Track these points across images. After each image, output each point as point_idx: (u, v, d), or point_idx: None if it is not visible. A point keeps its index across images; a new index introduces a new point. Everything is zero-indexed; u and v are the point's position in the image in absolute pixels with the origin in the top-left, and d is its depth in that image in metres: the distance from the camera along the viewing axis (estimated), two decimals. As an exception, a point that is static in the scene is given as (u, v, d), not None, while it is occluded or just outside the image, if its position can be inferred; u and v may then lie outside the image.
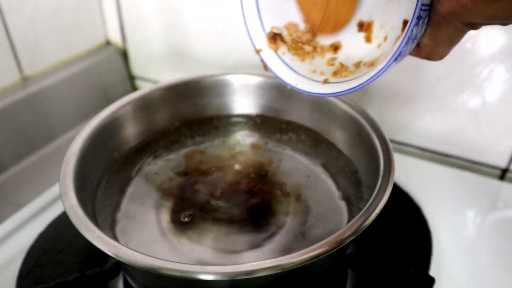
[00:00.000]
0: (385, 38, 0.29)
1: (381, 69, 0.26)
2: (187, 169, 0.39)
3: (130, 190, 0.37)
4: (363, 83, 0.27)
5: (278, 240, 0.32)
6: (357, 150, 0.38)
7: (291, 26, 0.32)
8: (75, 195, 0.30)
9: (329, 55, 0.31)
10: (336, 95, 0.29)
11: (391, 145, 0.34)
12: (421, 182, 0.47)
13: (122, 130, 0.40)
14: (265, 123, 0.44)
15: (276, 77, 0.32)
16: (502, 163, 0.50)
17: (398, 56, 0.24)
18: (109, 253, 0.26)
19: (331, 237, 0.26)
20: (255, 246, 0.32)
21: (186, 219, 0.34)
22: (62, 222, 0.42)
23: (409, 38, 0.23)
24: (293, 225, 0.33)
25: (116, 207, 0.35)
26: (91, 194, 0.35)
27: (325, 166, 0.39)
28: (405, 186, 0.46)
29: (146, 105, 0.42)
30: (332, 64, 0.31)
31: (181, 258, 0.31)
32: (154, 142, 0.42)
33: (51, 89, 0.58)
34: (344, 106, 0.39)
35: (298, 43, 0.32)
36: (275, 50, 0.32)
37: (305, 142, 0.41)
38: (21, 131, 0.55)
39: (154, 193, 0.36)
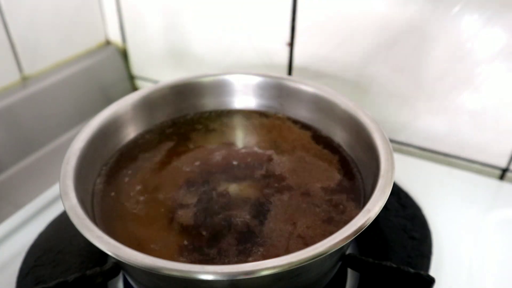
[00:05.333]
0: None
1: None
2: (187, 168, 0.39)
3: (131, 189, 0.37)
4: None
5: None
6: (357, 150, 0.38)
7: None
8: (75, 195, 0.30)
9: None
10: None
11: (391, 145, 0.34)
12: (421, 182, 0.47)
13: (122, 130, 0.40)
14: (265, 122, 0.44)
15: None
16: (502, 163, 0.50)
17: None
18: (109, 253, 0.26)
19: (331, 237, 0.26)
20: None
21: (188, 216, 0.34)
22: (62, 222, 0.42)
23: None
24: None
25: (116, 205, 0.35)
26: (91, 194, 0.35)
27: (325, 166, 0.39)
28: (405, 186, 0.46)
29: (146, 105, 0.42)
30: None
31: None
32: (154, 142, 0.42)
33: (51, 89, 0.58)
34: (344, 106, 0.39)
35: None
36: None
37: (305, 141, 0.41)
38: (21, 131, 0.55)
39: (155, 191, 0.36)
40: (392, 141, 0.54)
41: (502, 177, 0.51)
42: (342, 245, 0.26)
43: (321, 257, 0.25)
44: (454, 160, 0.52)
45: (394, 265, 0.31)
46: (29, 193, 0.48)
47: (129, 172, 0.38)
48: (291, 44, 0.53)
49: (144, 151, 0.41)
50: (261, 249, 0.31)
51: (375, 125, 0.36)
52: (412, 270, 0.30)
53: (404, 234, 0.41)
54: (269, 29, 0.54)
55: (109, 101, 0.41)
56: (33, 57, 0.57)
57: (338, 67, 0.52)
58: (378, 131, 0.35)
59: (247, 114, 0.45)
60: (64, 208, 0.29)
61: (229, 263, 0.30)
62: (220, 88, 0.45)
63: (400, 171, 0.46)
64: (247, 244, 0.31)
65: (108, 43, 0.67)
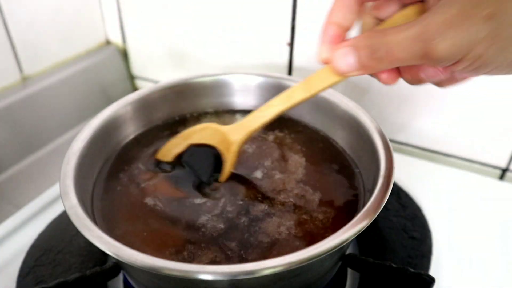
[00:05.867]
0: None
1: None
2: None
3: (131, 189, 0.37)
4: None
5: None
6: (357, 150, 0.38)
7: None
8: (75, 195, 0.30)
9: None
10: None
11: (391, 145, 0.34)
12: (421, 182, 0.47)
13: (122, 130, 0.40)
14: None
15: None
16: (502, 163, 0.50)
17: None
18: (109, 253, 0.26)
19: (331, 237, 0.26)
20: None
21: (189, 217, 0.34)
22: (62, 222, 0.42)
23: None
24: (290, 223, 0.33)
25: (116, 205, 0.35)
26: (91, 194, 0.35)
27: (325, 165, 0.39)
28: (405, 186, 0.46)
29: (146, 105, 0.42)
30: None
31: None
32: (154, 142, 0.42)
33: (51, 89, 0.58)
34: (344, 106, 0.39)
35: None
36: None
37: (305, 141, 0.41)
38: (21, 131, 0.55)
39: (156, 192, 0.36)
40: (392, 141, 0.54)
41: (502, 177, 0.51)
42: (342, 245, 0.26)
43: (321, 257, 0.25)
44: (454, 160, 0.52)
45: (394, 265, 0.31)
46: (29, 193, 0.48)
47: (129, 172, 0.38)
48: (291, 44, 0.53)
49: (144, 151, 0.41)
50: (257, 249, 0.31)
51: (375, 125, 0.36)
52: (412, 270, 0.30)
53: (404, 234, 0.41)
54: (269, 29, 0.54)
55: (109, 101, 0.41)
56: (33, 57, 0.57)
57: (338, 67, 0.52)
58: (378, 131, 0.35)
59: (247, 114, 0.45)
60: (64, 208, 0.29)
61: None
62: (220, 88, 0.45)
63: (400, 171, 0.46)
64: (248, 241, 0.31)
65: (108, 43, 0.67)
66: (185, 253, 0.31)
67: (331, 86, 0.30)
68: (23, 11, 0.53)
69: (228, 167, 0.36)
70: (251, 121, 0.35)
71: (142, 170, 0.38)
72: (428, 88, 0.49)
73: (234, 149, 0.35)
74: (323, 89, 0.31)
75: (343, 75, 0.28)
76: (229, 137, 0.36)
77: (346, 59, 0.27)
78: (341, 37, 0.29)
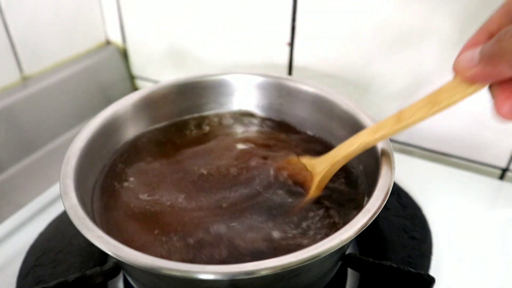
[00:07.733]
0: None
1: None
2: (188, 169, 0.39)
3: (131, 189, 0.37)
4: None
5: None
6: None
7: None
8: (75, 194, 0.30)
9: None
10: None
11: (391, 145, 0.34)
12: (421, 182, 0.47)
13: (122, 130, 0.40)
14: (265, 121, 0.44)
15: None
16: (502, 163, 0.50)
17: None
18: (110, 253, 0.26)
19: (331, 237, 0.26)
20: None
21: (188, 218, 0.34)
22: (62, 222, 0.42)
23: None
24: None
25: (116, 205, 0.35)
26: (91, 194, 0.35)
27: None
28: (405, 186, 0.46)
29: (146, 104, 0.42)
30: None
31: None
32: (155, 142, 0.42)
33: (51, 89, 0.58)
34: (344, 106, 0.39)
35: None
36: None
37: (305, 141, 0.41)
38: (21, 131, 0.55)
39: (156, 192, 0.36)
40: (392, 141, 0.54)
41: (502, 177, 0.51)
42: (342, 245, 0.26)
43: (321, 257, 0.25)
44: (454, 160, 0.52)
45: (394, 265, 0.31)
46: (29, 193, 0.48)
47: (130, 172, 0.38)
48: (291, 44, 0.53)
49: (145, 151, 0.41)
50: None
51: (375, 125, 0.36)
52: (412, 270, 0.30)
53: (404, 234, 0.41)
54: (269, 29, 0.54)
55: (109, 101, 0.41)
56: (33, 57, 0.57)
57: (338, 67, 0.52)
58: (378, 131, 0.35)
59: (247, 114, 0.45)
60: (64, 208, 0.29)
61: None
62: (220, 88, 0.45)
63: (400, 171, 0.46)
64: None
65: (108, 43, 0.67)
66: (186, 253, 0.31)
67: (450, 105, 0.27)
68: (23, 11, 0.53)
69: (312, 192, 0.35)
70: (336, 151, 0.34)
71: None
72: (429, 88, 0.49)
73: (315, 180, 0.34)
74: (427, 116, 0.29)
75: (468, 82, 0.26)
76: (314, 170, 0.35)
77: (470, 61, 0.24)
78: None
